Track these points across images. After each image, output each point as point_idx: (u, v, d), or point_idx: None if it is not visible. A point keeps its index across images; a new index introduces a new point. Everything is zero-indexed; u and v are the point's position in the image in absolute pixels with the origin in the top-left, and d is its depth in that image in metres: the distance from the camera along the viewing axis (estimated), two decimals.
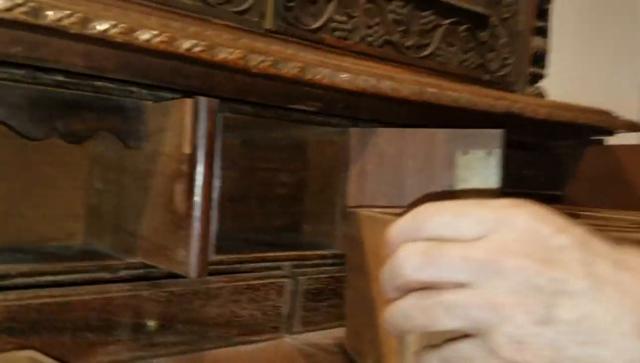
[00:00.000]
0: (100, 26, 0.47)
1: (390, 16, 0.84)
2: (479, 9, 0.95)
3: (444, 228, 0.33)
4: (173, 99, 0.57)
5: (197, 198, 0.50)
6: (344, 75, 0.64)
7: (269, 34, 0.72)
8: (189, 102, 0.51)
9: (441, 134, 0.66)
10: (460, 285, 0.31)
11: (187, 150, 0.51)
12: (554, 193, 0.94)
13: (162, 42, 0.51)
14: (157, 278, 0.56)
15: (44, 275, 0.52)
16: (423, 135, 0.67)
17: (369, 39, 0.82)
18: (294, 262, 0.66)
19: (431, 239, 0.33)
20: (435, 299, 0.32)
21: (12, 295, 0.49)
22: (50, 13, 0.45)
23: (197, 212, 0.50)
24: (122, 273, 0.55)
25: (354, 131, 0.69)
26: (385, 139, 0.68)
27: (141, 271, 0.56)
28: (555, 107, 0.89)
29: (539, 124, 0.85)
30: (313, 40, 0.76)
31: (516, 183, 0.90)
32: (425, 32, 0.89)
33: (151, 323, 0.55)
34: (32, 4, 0.44)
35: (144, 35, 0.50)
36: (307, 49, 0.73)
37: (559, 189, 0.94)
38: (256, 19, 0.71)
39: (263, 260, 0.64)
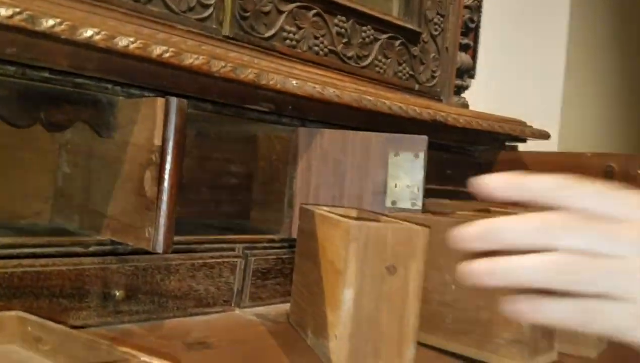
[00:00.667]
0: (86, 33, 0.55)
1: (335, 29, 0.94)
2: (412, 25, 1.06)
3: (591, 203, 0.33)
4: (142, 96, 0.64)
5: (166, 184, 0.58)
6: (294, 82, 0.73)
7: (226, 40, 0.80)
8: (161, 101, 0.59)
9: (376, 137, 0.76)
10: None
11: (157, 142, 0.59)
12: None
13: (137, 48, 0.59)
14: (123, 254, 0.64)
15: (24, 248, 0.58)
16: (361, 137, 0.77)
17: (316, 48, 0.92)
18: (246, 245, 0.75)
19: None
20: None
21: None
22: (44, 20, 0.52)
23: (165, 196, 0.58)
24: (93, 248, 0.62)
25: (301, 130, 0.79)
26: (329, 139, 0.78)
27: (109, 247, 0.63)
28: (474, 116, 1.01)
29: (459, 130, 0.96)
30: (266, 47, 0.85)
31: (440, 181, 1.02)
32: (365, 44, 0.99)
33: (118, 293, 0.63)
34: (29, 12, 0.51)
35: (122, 42, 0.57)
36: (261, 55, 0.82)
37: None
38: (215, 26, 0.79)
39: (218, 241, 0.73)
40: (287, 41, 0.88)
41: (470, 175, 1.00)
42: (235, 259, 0.73)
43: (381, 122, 0.86)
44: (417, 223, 0.58)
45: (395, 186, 0.75)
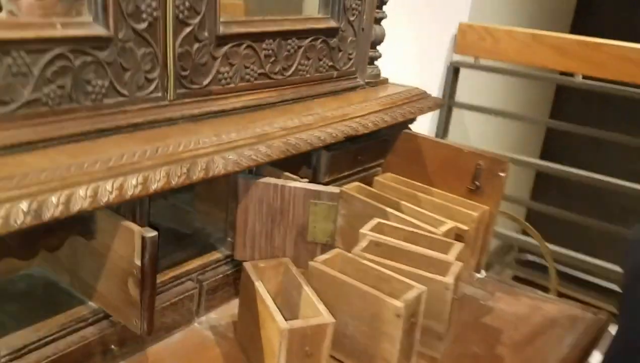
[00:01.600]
0: (77, 207, 0.69)
1: (263, 53, 1.05)
2: (332, 22, 1.17)
3: None
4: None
5: (147, 290, 0.78)
6: (231, 158, 0.89)
7: (171, 103, 0.92)
8: (138, 234, 0.76)
9: (300, 189, 0.96)
10: None
11: (137, 262, 0.77)
12: (378, 163, 1.28)
13: (115, 197, 0.74)
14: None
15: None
16: (288, 188, 0.96)
17: (247, 76, 1.04)
18: (199, 272, 0.98)
19: None
20: None
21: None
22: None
23: (146, 298, 0.79)
24: (91, 319, 0.84)
25: (241, 178, 0.96)
26: (263, 187, 0.96)
27: (103, 313, 0.85)
28: (383, 109, 1.19)
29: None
30: (203, 95, 0.97)
31: (352, 167, 1.23)
32: (289, 55, 1.10)
33: (115, 348, 0.86)
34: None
35: (104, 199, 0.72)
36: (201, 104, 0.95)
37: (381, 160, 1.29)
38: (161, 94, 0.90)
39: (177, 278, 0.95)
40: (222, 81, 1.00)
41: (377, 154, 1.23)
42: (192, 291, 0.96)
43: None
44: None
45: (315, 227, 0.97)
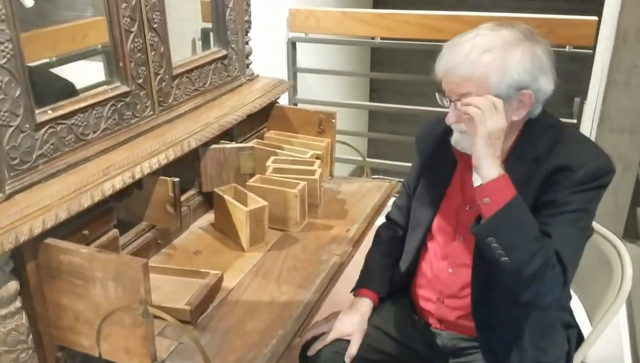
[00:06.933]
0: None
1: (194, 77, 1.89)
2: (223, 52, 2.02)
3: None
4: None
5: (178, 208, 1.63)
6: (195, 138, 1.74)
7: (157, 115, 1.75)
8: (170, 180, 1.60)
9: (233, 147, 1.84)
10: None
11: (171, 194, 1.62)
12: (264, 126, 2.18)
13: (152, 170, 1.58)
14: None
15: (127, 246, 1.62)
16: (226, 148, 1.84)
17: (187, 91, 1.88)
18: (190, 200, 1.84)
19: None
20: None
21: None
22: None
23: (178, 210, 1.64)
24: (146, 230, 1.67)
25: (200, 147, 1.82)
26: (213, 150, 1.83)
27: None
28: (262, 97, 2.08)
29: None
30: (170, 108, 1.80)
31: (251, 130, 2.11)
32: (206, 75, 1.95)
33: None
34: None
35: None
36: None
37: (266, 124, 2.19)
38: (152, 112, 1.73)
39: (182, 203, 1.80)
40: (178, 98, 1.83)
41: (263, 119, 2.23)
42: (187, 209, 1.82)
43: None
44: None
45: (244, 165, 1.86)
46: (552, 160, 1.42)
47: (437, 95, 1.48)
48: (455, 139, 1.51)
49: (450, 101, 1.44)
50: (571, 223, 1.38)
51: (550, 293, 1.37)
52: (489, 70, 1.37)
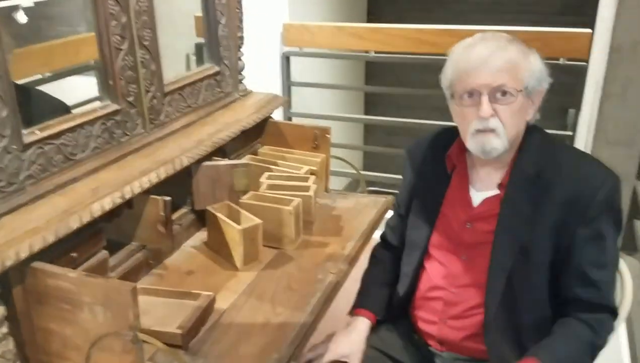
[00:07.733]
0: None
1: (186, 93, 1.87)
2: (216, 69, 2.00)
3: None
4: None
5: (169, 227, 1.60)
6: (188, 155, 1.71)
7: (148, 133, 1.72)
8: (160, 199, 1.57)
9: (227, 164, 1.81)
10: None
11: (162, 213, 1.58)
12: (258, 141, 2.16)
13: (145, 188, 1.55)
14: None
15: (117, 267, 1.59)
16: (220, 165, 1.81)
17: (179, 109, 1.85)
18: (182, 218, 1.80)
19: None
20: None
21: None
22: None
23: (169, 230, 1.61)
24: (137, 250, 1.64)
25: (193, 165, 1.79)
26: (205, 167, 1.80)
27: None
28: (256, 113, 2.06)
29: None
30: (161, 125, 1.78)
31: (245, 145, 2.08)
32: (199, 92, 1.93)
33: None
34: None
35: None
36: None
37: (260, 139, 2.16)
38: (143, 130, 1.70)
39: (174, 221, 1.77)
40: (170, 116, 1.81)
41: (257, 134, 2.20)
42: (180, 228, 1.79)
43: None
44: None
45: (237, 182, 1.83)
46: (562, 184, 1.43)
47: (464, 96, 1.43)
48: (490, 145, 1.43)
49: (482, 95, 1.40)
50: (607, 253, 1.47)
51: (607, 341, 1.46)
52: (519, 58, 1.41)
